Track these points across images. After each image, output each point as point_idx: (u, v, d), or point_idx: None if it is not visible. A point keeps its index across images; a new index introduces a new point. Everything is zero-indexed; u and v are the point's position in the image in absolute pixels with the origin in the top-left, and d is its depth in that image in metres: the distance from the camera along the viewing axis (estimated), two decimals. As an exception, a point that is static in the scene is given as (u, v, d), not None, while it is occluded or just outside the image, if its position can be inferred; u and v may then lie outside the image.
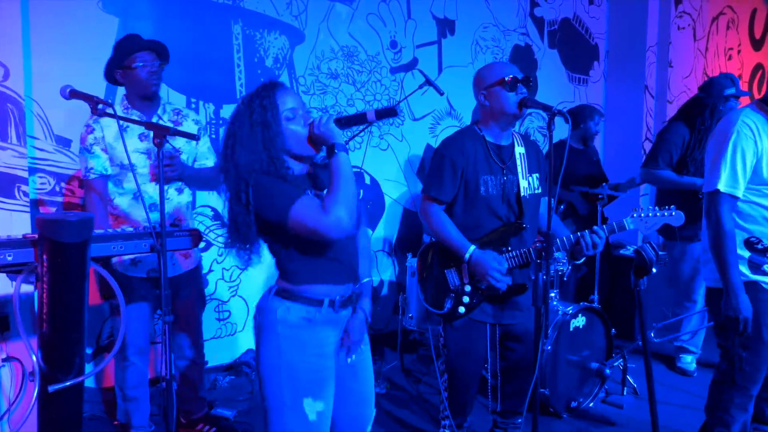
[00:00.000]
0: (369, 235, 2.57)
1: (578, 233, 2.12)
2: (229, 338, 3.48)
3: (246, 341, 3.55)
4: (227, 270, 3.45)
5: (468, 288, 2.21)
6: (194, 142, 2.45)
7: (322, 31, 3.72)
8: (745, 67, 6.21)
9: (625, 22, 5.21)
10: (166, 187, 2.38)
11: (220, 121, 3.36)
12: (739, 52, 6.12)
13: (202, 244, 2.28)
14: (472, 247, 2.15)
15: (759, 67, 6.39)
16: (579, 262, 2.20)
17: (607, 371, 3.03)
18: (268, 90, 1.57)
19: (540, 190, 2.29)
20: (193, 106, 3.27)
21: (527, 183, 2.23)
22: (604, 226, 2.13)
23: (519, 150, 2.27)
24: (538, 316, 2.04)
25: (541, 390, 2.83)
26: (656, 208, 2.17)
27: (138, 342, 2.44)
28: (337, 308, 1.60)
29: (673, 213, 2.14)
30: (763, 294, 2.12)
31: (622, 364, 3.22)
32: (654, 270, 1.65)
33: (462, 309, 2.21)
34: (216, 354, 3.35)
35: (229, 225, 1.56)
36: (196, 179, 2.51)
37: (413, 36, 4.15)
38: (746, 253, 2.11)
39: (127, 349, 2.43)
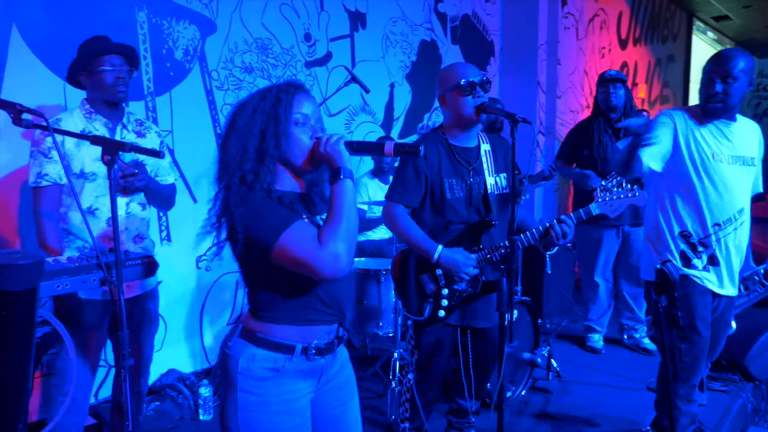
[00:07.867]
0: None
1: (546, 224, 2.11)
2: (147, 360, 3.15)
3: (166, 361, 3.24)
4: (141, 285, 3.10)
5: (446, 291, 2.18)
6: None
7: (235, 21, 3.45)
8: (614, 64, 6.83)
9: (517, 20, 5.46)
10: (127, 200, 2.18)
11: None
12: (609, 50, 6.71)
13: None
14: (440, 247, 2.12)
15: (624, 65, 7.06)
16: (551, 252, 2.25)
17: (539, 360, 3.19)
18: (289, 86, 1.40)
19: (508, 190, 2.30)
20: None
21: (494, 181, 2.24)
22: (572, 215, 2.11)
23: (485, 148, 2.27)
24: (502, 320, 2.07)
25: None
26: (620, 189, 2.10)
27: (81, 377, 2.18)
28: (312, 357, 1.39)
29: (637, 194, 2.10)
30: (693, 287, 2.33)
31: (548, 351, 3.41)
32: (675, 293, 1.72)
33: (442, 312, 2.20)
34: (133, 380, 3.01)
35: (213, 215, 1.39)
36: (157, 194, 2.28)
37: (327, 29, 4.00)
38: (681, 245, 2.29)
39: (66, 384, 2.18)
